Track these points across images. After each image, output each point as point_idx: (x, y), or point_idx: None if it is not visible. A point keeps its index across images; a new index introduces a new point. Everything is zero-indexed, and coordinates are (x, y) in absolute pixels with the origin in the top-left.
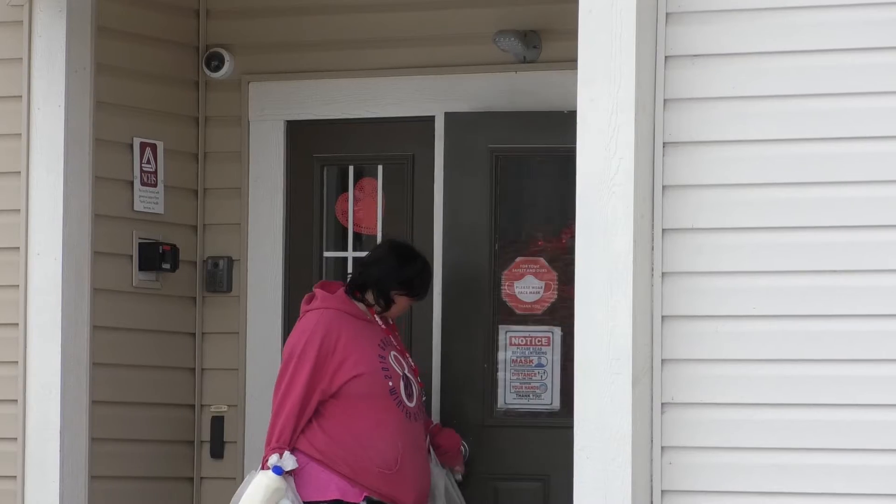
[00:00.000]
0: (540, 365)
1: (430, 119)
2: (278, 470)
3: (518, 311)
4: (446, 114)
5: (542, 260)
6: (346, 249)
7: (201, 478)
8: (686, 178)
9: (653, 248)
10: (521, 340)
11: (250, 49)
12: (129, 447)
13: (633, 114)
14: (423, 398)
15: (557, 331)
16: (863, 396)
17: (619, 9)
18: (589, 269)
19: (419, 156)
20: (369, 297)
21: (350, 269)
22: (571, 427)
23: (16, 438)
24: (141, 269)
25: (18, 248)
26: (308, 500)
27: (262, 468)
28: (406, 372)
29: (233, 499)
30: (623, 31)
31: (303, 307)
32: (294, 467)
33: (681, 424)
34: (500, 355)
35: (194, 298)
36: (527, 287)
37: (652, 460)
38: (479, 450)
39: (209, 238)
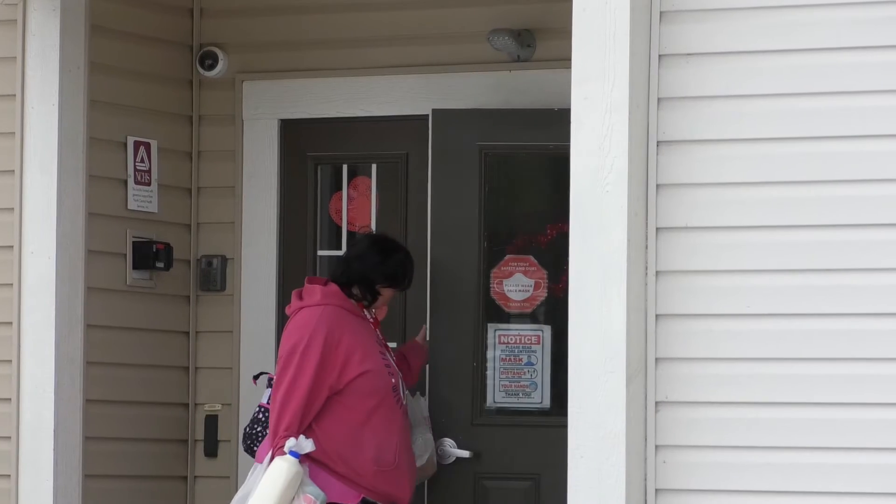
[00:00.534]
0: (530, 363)
1: (424, 118)
2: (295, 454)
3: (507, 310)
4: (434, 111)
5: (531, 258)
6: (339, 248)
7: (195, 476)
8: (680, 177)
9: (647, 247)
10: (511, 339)
11: (244, 48)
12: (123, 446)
13: (627, 113)
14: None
15: (547, 329)
16: (857, 395)
17: (612, 8)
18: (583, 267)
19: (413, 155)
20: (356, 292)
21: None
22: (562, 426)
23: (9, 437)
24: (135, 267)
25: (12, 246)
26: None
27: (275, 456)
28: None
29: (238, 492)
30: (617, 30)
31: (294, 303)
32: (312, 449)
33: (675, 423)
34: (489, 353)
35: (188, 297)
36: (516, 285)
37: (646, 459)
38: (468, 448)
39: (203, 237)
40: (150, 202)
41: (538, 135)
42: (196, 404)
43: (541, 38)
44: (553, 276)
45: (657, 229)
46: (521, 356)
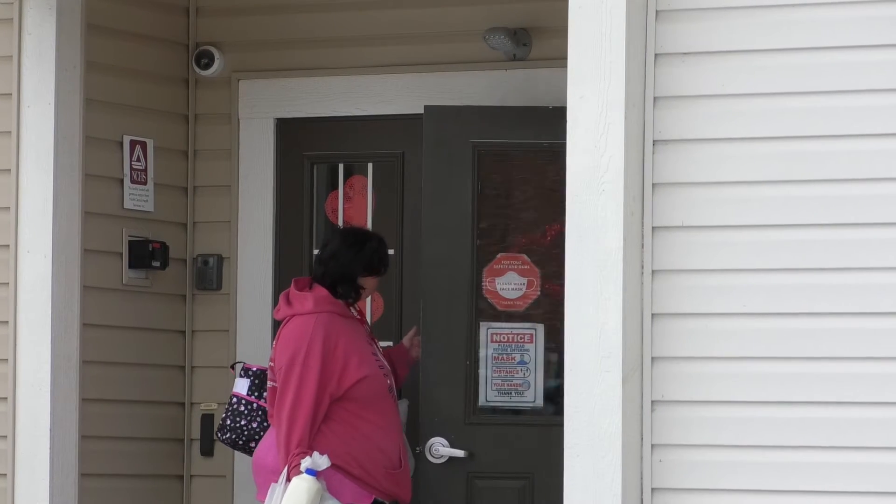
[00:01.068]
0: (522, 362)
1: (420, 117)
2: (312, 472)
3: (499, 308)
4: (426, 107)
5: (524, 256)
6: None
7: (191, 475)
8: (676, 176)
9: (643, 246)
10: (503, 337)
11: (240, 47)
12: (119, 445)
13: (623, 111)
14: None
15: (540, 328)
16: (853, 394)
17: (608, 6)
18: (579, 266)
19: (409, 153)
20: (340, 290)
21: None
22: (556, 425)
23: (6, 436)
24: (131, 266)
25: (8, 245)
26: None
27: (291, 475)
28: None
29: None
30: (613, 29)
31: (283, 309)
32: (328, 465)
33: (671, 422)
34: (482, 352)
35: (184, 296)
36: (508, 283)
37: (642, 458)
38: (461, 447)
39: (199, 236)
40: (147, 201)
41: (532, 132)
42: (192, 403)
43: (537, 36)
44: (546, 274)
45: (653, 228)
46: (513, 355)
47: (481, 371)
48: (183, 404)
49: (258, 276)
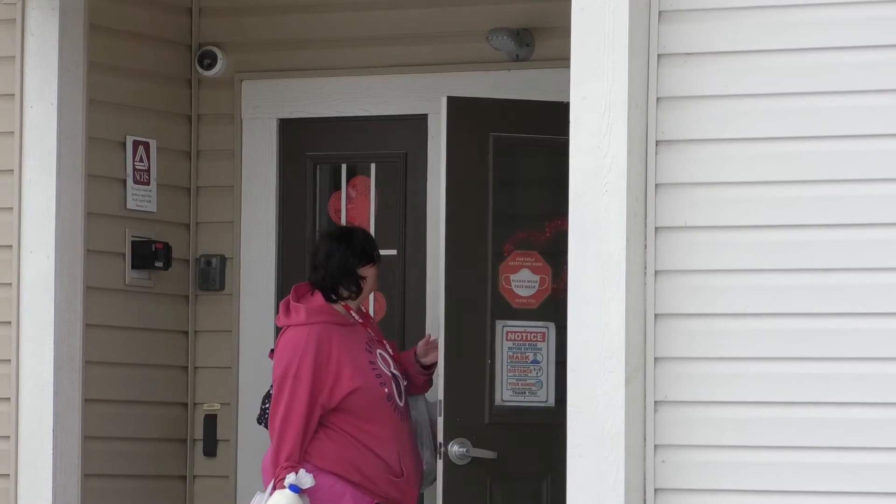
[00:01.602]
0: (535, 361)
1: (423, 117)
2: (295, 488)
3: (514, 306)
4: (448, 98)
5: (536, 253)
6: None
7: (194, 476)
8: (679, 177)
9: (646, 247)
10: (517, 336)
11: (243, 47)
12: (122, 445)
13: (626, 112)
14: (405, 383)
15: (552, 326)
16: (856, 394)
17: (611, 7)
18: (582, 267)
19: (412, 154)
20: (342, 291)
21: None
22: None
23: (9, 437)
24: (134, 267)
25: (11, 246)
26: None
27: (276, 488)
28: (393, 369)
29: None
30: (616, 30)
31: (282, 318)
32: (312, 485)
33: (674, 422)
34: (498, 351)
35: (187, 297)
36: (522, 280)
37: (645, 458)
38: (478, 448)
39: (202, 236)
40: (149, 202)
41: (550, 127)
42: (195, 404)
43: (539, 37)
44: (558, 272)
45: (656, 229)
46: (527, 353)
47: (497, 370)
48: (186, 405)
49: (261, 276)
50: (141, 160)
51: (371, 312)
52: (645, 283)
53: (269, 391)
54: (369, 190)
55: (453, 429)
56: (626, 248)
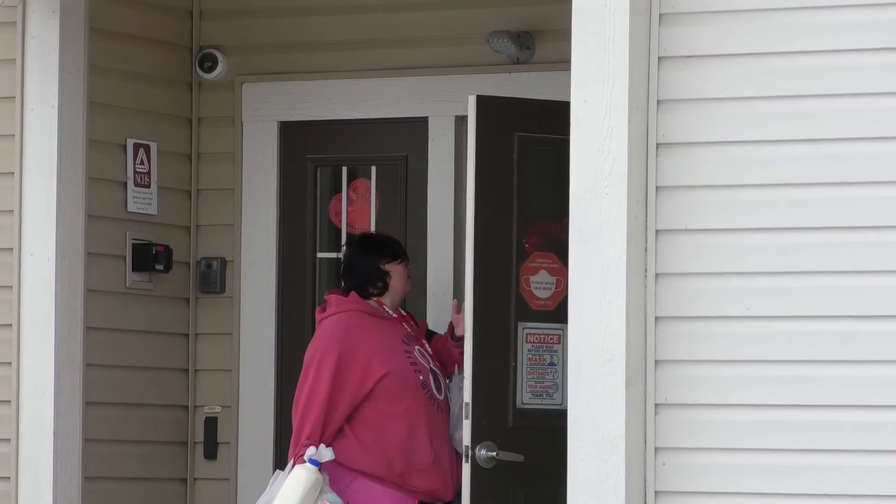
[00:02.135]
0: (552, 363)
1: (424, 120)
2: (315, 462)
3: (533, 307)
4: (478, 97)
5: (553, 255)
6: (339, 250)
7: (195, 479)
8: (679, 180)
9: (646, 250)
10: (536, 338)
11: (243, 50)
12: (123, 448)
13: (627, 115)
14: (447, 381)
15: (566, 328)
16: (857, 397)
17: (612, 10)
18: (583, 270)
19: (412, 157)
20: (371, 289)
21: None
22: None
23: (9, 439)
24: (134, 269)
25: (12, 248)
26: None
27: (296, 464)
28: (432, 366)
29: (261, 498)
30: (616, 33)
31: (318, 316)
32: (331, 458)
33: (675, 425)
34: (519, 353)
35: (188, 299)
36: (541, 282)
37: (646, 461)
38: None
39: (202, 239)
40: (150, 204)
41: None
42: (195, 406)
43: (540, 40)
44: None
45: (657, 231)
46: (544, 356)
47: (519, 372)
48: (186, 407)
49: (262, 279)
50: (142, 163)
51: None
52: (645, 286)
53: None
54: (370, 192)
55: (480, 432)
56: (627, 251)
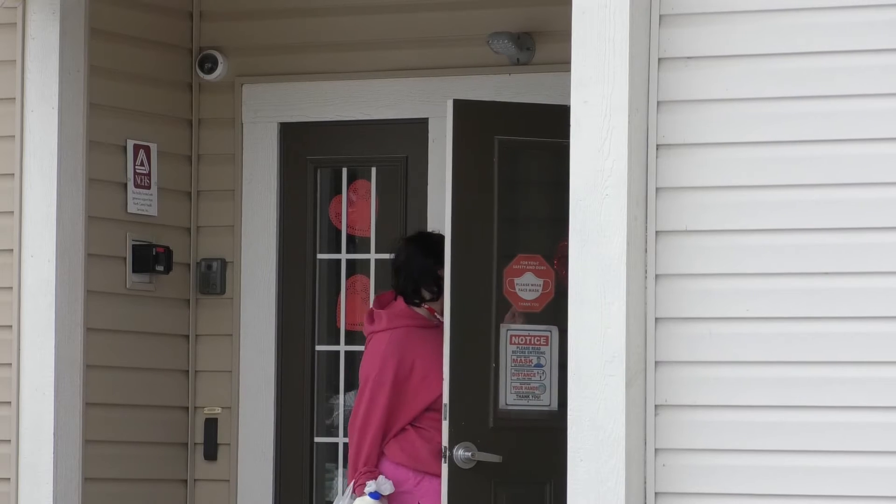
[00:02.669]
0: (539, 365)
1: (424, 121)
2: (376, 495)
3: (518, 309)
4: (455, 101)
5: (540, 257)
6: (339, 251)
7: (195, 480)
8: (679, 181)
9: (646, 251)
10: (521, 339)
11: (244, 51)
12: (123, 449)
13: (627, 116)
14: None
15: (555, 330)
16: (856, 398)
17: (612, 11)
18: (583, 271)
19: (413, 158)
20: (424, 293)
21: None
22: None
23: (9, 440)
24: (134, 270)
25: (12, 250)
26: None
27: (356, 494)
28: None
29: None
30: (616, 34)
31: (367, 327)
32: (391, 491)
33: (675, 426)
34: (502, 355)
35: (188, 300)
36: (526, 284)
37: (646, 462)
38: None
39: (203, 240)
40: (150, 205)
41: (553, 130)
42: (195, 407)
43: (540, 41)
44: (561, 275)
45: (657, 233)
46: (530, 357)
47: (501, 374)
48: (186, 408)
49: (262, 280)
50: (142, 164)
51: None
52: (645, 287)
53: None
54: (370, 193)
55: (458, 432)
56: (627, 252)
